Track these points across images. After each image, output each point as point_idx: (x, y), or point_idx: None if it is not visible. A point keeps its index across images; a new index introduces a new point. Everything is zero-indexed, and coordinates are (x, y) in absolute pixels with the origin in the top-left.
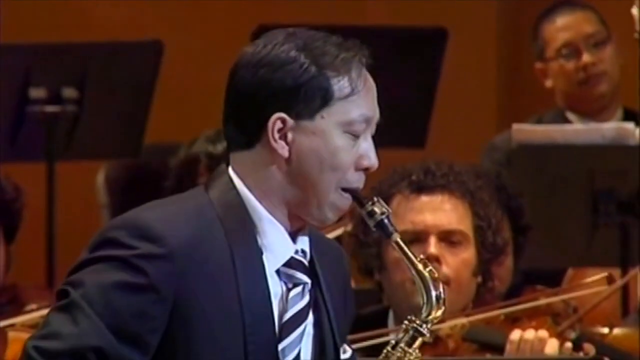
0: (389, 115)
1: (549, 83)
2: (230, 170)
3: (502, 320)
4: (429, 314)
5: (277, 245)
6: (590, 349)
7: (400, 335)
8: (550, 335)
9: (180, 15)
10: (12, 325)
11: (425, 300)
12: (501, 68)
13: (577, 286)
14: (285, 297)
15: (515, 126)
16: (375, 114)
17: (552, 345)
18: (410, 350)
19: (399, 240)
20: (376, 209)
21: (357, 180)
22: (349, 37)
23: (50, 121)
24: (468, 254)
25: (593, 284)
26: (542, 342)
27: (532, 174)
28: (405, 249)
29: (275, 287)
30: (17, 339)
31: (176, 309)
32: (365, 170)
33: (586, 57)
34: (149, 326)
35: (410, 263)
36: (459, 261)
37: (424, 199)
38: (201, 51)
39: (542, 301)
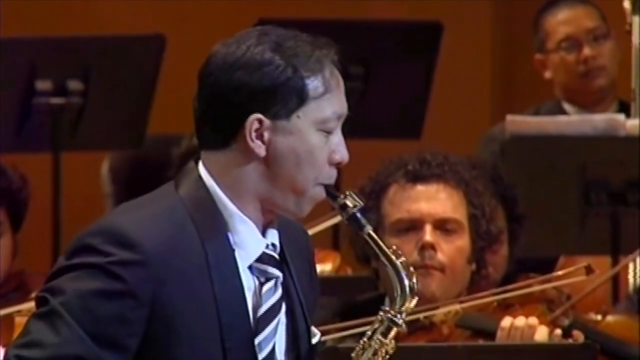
0: (386, 107)
1: (547, 74)
2: (200, 167)
3: (495, 307)
4: (403, 305)
5: (249, 241)
6: (579, 336)
7: (376, 325)
8: (541, 322)
9: (182, 10)
10: (19, 312)
11: (399, 292)
12: (495, 61)
13: (556, 277)
14: (259, 292)
15: (509, 117)
16: (345, 110)
17: (541, 333)
18: (387, 341)
19: (371, 232)
20: (348, 203)
21: (331, 176)
22: (348, 32)
23: (56, 113)
24: (462, 241)
25: (571, 274)
26: (532, 329)
27: (525, 164)
28: (378, 241)
29: (249, 282)
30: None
31: (154, 312)
32: (337, 164)
33: (587, 51)
34: (128, 331)
35: (383, 255)
36: (453, 249)
37: (420, 188)
38: (203, 45)
39: (521, 291)
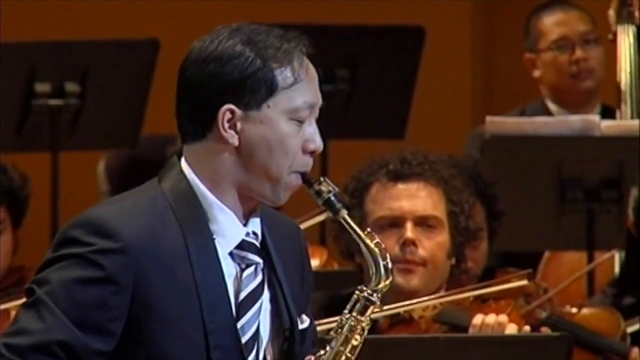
0: (372, 109)
1: (536, 73)
2: (182, 161)
3: (472, 301)
4: (378, 284)
5: (228, 229)
6: (547, 332)
7: (353, 303)
8: (513, 317)
9: (177, 13)
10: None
11: (374, 271)
12: (475, 64)
13: (500, 281)
14: (240, 278)
15: (489, 118)
16: (318, 100)
17: (511, 329)
18: (363, 318)
19: (346, 216)
20: (323, 188)
21: (306, 164)
22: (335, 36)
23: (54, 114)
24: (442, 237)
25: (515, 279)
26: (501, 326)
27: (504, 162)
28: (353, 224)
29: (229, 268)
30: None
31: (136, 297)
32: (312, 153)
33: (579, 52)
34: (110, 315)
35: (358, 237)
36: (434, 244)
37: (401, 186)
38: None
39: (471, 293)
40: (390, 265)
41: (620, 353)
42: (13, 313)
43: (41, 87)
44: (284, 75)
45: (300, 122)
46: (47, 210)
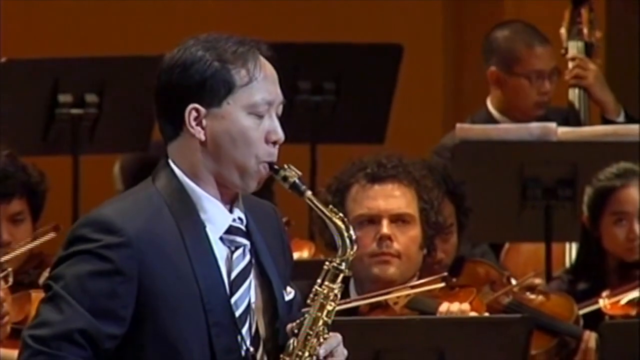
0: (355, 117)
1: (497, 88)
2: (170, 161)
3: (441, 288)
4: (345, 253)
5: (217, 217)
6: None
7: (324, 274)
8: (475, 304)
9: (184, 32)
10: (36, 288)
11: (340, 243)
12: (446, 77)
13: (419, 284)
14: (230, 259)
15: (459, 125)
16: (276, 97)
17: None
18: (334, 286)
19: (311, 196)
20: (288, 174)
21: (271, 153)
22: (323, 53)
23: (75, 121)
24: (415, 232)
25: (431, 282)
26: (464, 313)
27: (472, 164)
28: (318, 203)
29: (221, 252)
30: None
31: (141, 284)
32: (274, 143)
33: (547, 85)
34: (120, 303)
35: (323, 214)
36: (407, 238)
37: (377, 187)
38: None
39: (388, 296)
40: (354, 236)
41: (575, 335)
42: (34, 295)
43: (64, 98)
44: (240, 75)
45: (260, 116)
46: (69, 206)
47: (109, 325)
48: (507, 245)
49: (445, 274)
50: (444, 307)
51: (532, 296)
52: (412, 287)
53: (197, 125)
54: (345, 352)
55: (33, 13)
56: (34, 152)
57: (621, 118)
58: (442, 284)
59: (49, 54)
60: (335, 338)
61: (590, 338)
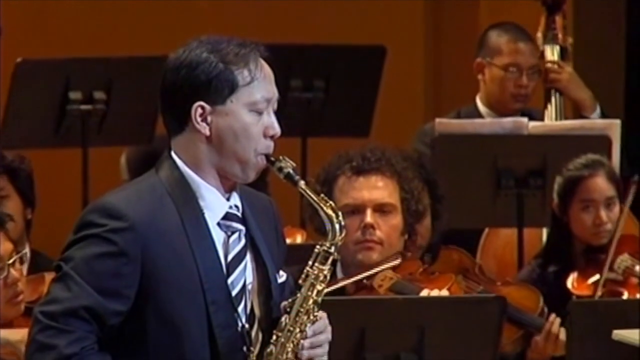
0: (343, 112)
1: (481, 77)
2: (172, 153)
3: (421, 271)
4: (334, 238)
5: (214, 204)
6: None
7: (314, 257)
8: (454, 289)
9: (186, 35)
10: (49, 270)
11: (330, 228)
12: (427, 75)
13: (379, 262)
14: (227, 243)
15: (438, 120)
16: (274, 94)
17: None
18: (324, 267)
19: (304, 186)
20: (283, 165)
21: (268, 146)
22: (313, 54)
23: (85, 117)
24: (397, 220)
25: (390, 259)
26: None
27: (450, 156)
28: (310, 193)
29: (218, 236)
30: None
31: (144, 265)
32: (272, 137)
33: (524, 79)
34: (124, 282)
35: (316, 203)
36: (389, 226)
37: (362, 179)
38: None
39: (358, 277)
40: (343, 222)
41: (538, 327)
42: (47, 277)
43: (74, 95)
44: (242, 75)
45: (260, 113)
46: (79, 195)
47: (114, 303)
48: (486, 230)
49: (400, 250)
50: (424, 292)
51: (501, 287)
52: (374, 265)
53: (202, 121)
54: (330, 329)
55: (46, 16)
56: (46, 145)
57: (595, 115)
58: (399, 260)
59: (61, 54)
60: (323, 321)
61: (555, 321)
